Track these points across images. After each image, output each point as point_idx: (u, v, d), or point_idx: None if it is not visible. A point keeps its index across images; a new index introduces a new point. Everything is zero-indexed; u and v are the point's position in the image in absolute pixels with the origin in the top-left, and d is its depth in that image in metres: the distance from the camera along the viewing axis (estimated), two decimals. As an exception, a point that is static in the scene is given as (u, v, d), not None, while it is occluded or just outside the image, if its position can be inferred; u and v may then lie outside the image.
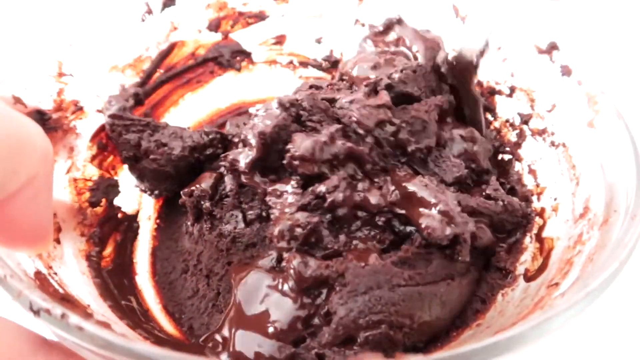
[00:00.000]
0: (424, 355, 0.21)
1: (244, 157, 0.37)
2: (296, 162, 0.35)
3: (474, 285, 0.37)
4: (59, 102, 0.42)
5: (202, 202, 0.39)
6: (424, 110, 0.40)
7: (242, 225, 0.38)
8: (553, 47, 0.44)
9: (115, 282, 0.38)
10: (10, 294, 0.23)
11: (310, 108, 0.37)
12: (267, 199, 0.36)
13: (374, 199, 0.35)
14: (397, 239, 0.36)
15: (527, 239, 0.40)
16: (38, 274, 0.28)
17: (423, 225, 0.34)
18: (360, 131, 0.37)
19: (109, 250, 0.42)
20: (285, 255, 0.34)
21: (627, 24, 0.69)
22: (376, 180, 0.37)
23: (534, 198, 0.42)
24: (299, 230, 0.33)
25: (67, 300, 0.27)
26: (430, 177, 0.38)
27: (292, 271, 0.33)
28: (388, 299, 0.32)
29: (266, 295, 0.34)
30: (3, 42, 0.40)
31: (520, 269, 0.38)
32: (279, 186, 0.36)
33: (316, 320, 0.33)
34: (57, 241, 0.35)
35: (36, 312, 0.22)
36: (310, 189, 0.35)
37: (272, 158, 0.37)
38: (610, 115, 0.37)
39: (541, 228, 0.39)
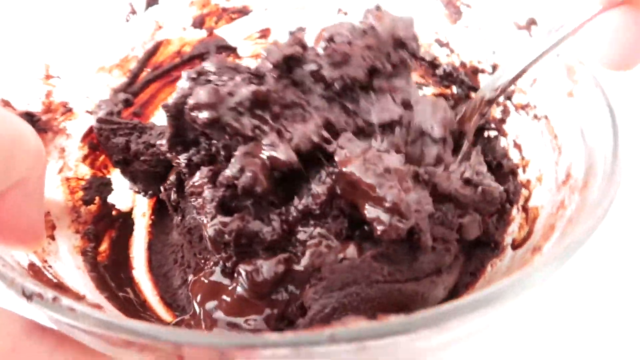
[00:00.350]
0: (406, 316, 0.22)
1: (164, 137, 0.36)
2: (194, 113, 0.33)
3: (462, 268, 0.38)
4: (47, 104, 0.43)
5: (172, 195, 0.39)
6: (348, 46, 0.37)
7: (194, 215, 0.36)
8: (532, 22, 0.44)
9: (112, 275, 0.39)
10: (3, 282, 0.24)
11: (219, 69, 0.35)
12: (192, 199, 0.34)
13: (281, 154, 0.32)
14: (353, 224, 0.33)
15: (514, 211, 0.40)
16: (32, 266, 0.29)
17: (373, 224, 0.31)
18: (268, 64, 0.35)
19: (104, 246, 0.42)
20: (229, 264, 0.33)
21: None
22: (289, 129, 0.34)
23: (520, 171, 0.43)
24: (226, 236, 0.32)
25: (60, 287, 0.28)
26: (380, 151, 0.34)
27: (243, 282, 0.31)
28: (365, 295, 0.31)
29: (230, 302, 0.32)
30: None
31: (507, 240, 0.38)
32: (193, 181, 0.34)
33: (291, 313, 0.32)
34: (52, 237, 0.36)
35: (29, 297, 0.23)
36: (218, 179, 0.33)
37: (189, 132, 0.35)
38: (589, 84, 0.37)
39: (527, 199, 0.40)
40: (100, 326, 0.21)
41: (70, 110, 0.45)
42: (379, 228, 0.31)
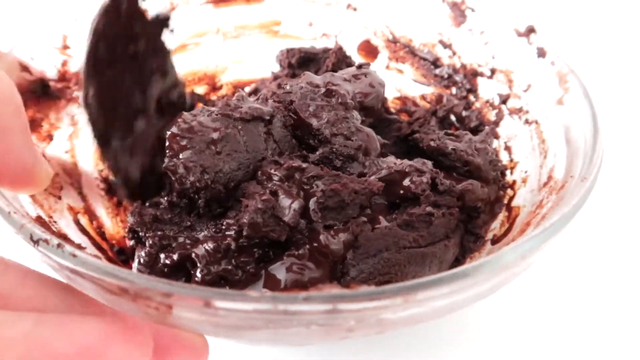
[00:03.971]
0: (376, 287, 0.24)
1: None
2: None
3: (460, 240, 0.40)
4: (63, 73, 0.45)
5: None
6: None
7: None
8: (531, 30, 0.46)
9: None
10: (13, 226, 0.26)
11: None
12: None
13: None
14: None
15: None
16: (39, 218, 0.31)
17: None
18: None
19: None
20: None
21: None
22: None
23: (508, 172, 0.45)
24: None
25: (64, 238, 0.30)
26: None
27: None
28: (395, 261, 0.34)
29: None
30: (11, 16, 0.43)
31: (489, 235, 0.40)
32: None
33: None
34: (59, 197, 0.38)
35: (36, 242, 0.25)
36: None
37: None
38: (578, 93, 0.39)
39: (511, 198, 0.42)
40: (98, 272, 0.23)
41: (83, 80, 0.47)
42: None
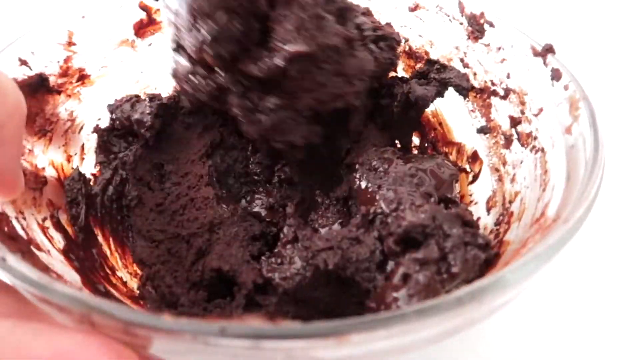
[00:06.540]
0: (302, 323, 0.22)
1: None
2: None
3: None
4: (65, 69, 0.46)
5: None
6: None
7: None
8: (549, 50, 0.43)
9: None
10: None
11: None
12: None
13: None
14: None
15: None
16: (2, 214, 0.31)
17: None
18: None
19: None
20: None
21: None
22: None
23: (507, 203, 0.42)
24: None
25: (12, 239, 0.30)
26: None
27: None
28: None
29: None
30: (19, 11, 0.44)
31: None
32: None
33: None
34: (40, 191, 0.39)
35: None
36: None
37: None
38: (585, 123, 0.36)
39: (505, 232, 0.39)
40: (22, 280, 0.23)
41: (87, 76, 0.48)
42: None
